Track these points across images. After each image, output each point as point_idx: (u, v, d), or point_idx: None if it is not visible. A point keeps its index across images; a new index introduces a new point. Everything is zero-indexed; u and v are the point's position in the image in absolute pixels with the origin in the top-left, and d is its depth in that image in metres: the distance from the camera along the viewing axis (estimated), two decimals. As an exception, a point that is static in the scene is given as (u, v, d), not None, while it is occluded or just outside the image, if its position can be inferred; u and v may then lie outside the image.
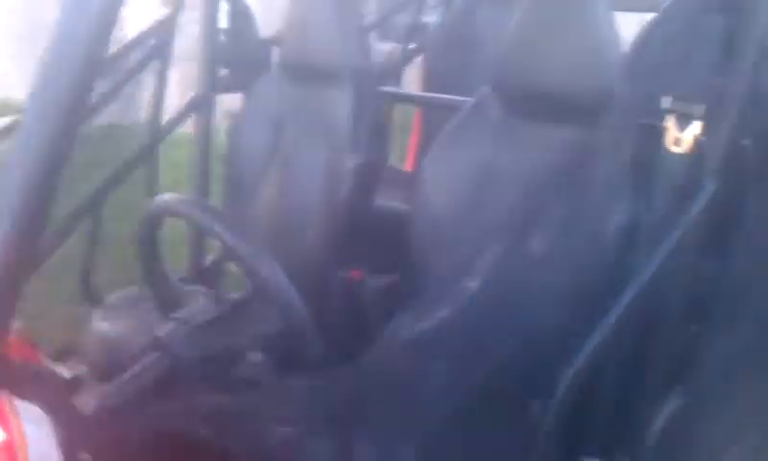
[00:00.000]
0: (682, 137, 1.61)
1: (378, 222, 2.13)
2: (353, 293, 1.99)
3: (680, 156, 1.61)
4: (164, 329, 1.29)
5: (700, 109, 1.56)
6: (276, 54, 2.54)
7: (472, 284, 1.56)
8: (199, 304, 1.33)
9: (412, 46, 3.14)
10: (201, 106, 2.53)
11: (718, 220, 1.69)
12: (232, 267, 2.46)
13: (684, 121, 1.60)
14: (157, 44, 2.37)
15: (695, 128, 1.59)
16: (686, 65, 1.71)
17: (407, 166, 3.05)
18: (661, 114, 1.62)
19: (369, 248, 2.06)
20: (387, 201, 2.31)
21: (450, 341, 1.47)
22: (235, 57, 2.56)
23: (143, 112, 2.79)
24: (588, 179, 1.66)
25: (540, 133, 1.79)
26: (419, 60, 3.16)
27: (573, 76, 1.77)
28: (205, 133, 2.56)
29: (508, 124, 1.85)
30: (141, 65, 2.36)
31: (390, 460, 1.45)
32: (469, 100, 1.99)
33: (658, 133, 1.63)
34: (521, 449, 1.47)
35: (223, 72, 2.56)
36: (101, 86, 2.20)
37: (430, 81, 3.00)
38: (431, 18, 3.36)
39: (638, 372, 1.65)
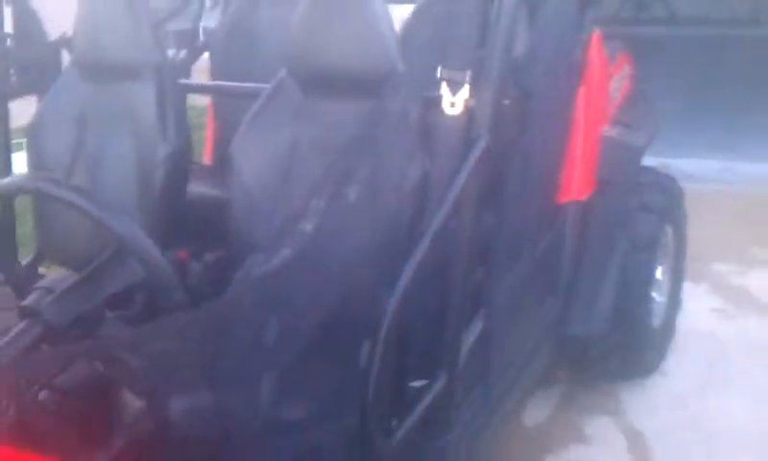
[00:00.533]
0: (455, 102, 1.91)
1: (194, 207, 2.26)
2: (181, 273, 2.11)
3: (455, 117, 1.92)
4: (30, 299, 1.37)
5: (467, 76, 1.86)
6: (66, 55, 2.58)
7: (308, 226, 1.77)
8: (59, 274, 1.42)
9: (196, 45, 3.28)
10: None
11: (492, 173, 2.01)
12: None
13: (455, 88, 1.90)
14: None
15: (465, 93, 1.89)
16: (453, 41, 2.01)
17: (206, 159, 3.17)
18: (437, 84, 1.91)
19: (188, 232, 2.19)
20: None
21: (293, 279, 1.66)
22: (24, 60, 2.57)
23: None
24: (382, 144, 1.92)
25: (336, 108, 2.03)
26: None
27: (358, 57, 2.02)
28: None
29: (307, 104, 2.07)
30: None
31: (243, 393, 1.61)
32: (266, 86, 2.18)
33: (436, 100, 1.92)
34: (357, 382, 1.69)
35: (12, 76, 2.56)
36: None
37: (216, 79, 3.15)
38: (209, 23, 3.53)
39: (445, 305, 1.93)
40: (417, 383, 1.94)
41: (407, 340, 1.87)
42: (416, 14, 2.57)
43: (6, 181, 1.55)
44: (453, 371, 1.98)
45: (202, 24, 3.56)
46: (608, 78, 2.80)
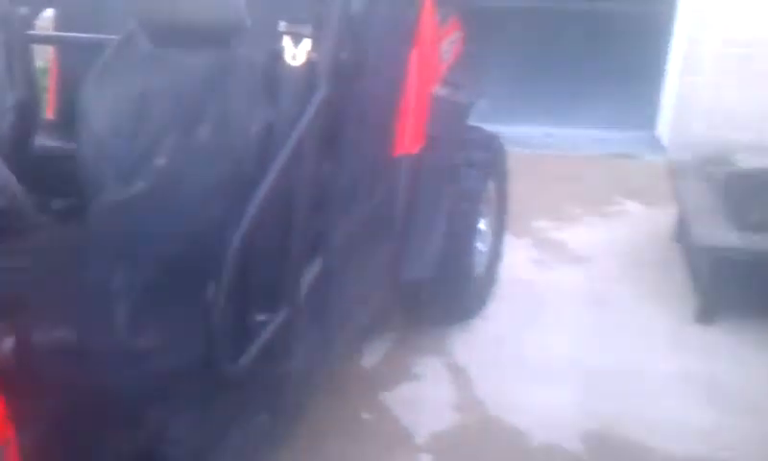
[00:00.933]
0: (297, 54, 2.08)
1: (41, 160, 2.31)
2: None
3: (297, 68, 2.09)
4: None
5: (308, 29, 2.04)
6: None
7: (161, 161, 1.87)
8: None
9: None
10: None
11: (331, 123, 2.20)
12: None
13: (297, 41, 2.07)
14: None
15: (306, 45, 2.06)
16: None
17: (48, 113, 3.15)
18: (280, 36, 2.07)
19: (35, 183, 2.23)
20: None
21: (146, 209, 1.77)
22: None
23: None
24: (230, 91, 2.05)
25: (185, 59, 2.13)
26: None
27: (206, 10, 2.14)
28: None
29: (156, 54, 2.16)
30: None
31: (96, 320, 1.71)
32: (114, 37, 2.26)
33: (279, 51, 2.08)
34: (204, 317, 1.83)
35: None
36: None
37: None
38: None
39: (287, 244, 2.10)
40: (261, 317, 2.11)
41: (253, 276, 2.03)
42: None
43: None
44: (294, 306, 2.16)
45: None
46: (439, 40, 3.04)
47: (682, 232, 3.92)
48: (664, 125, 5.41)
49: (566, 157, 5.24)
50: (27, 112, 2.28)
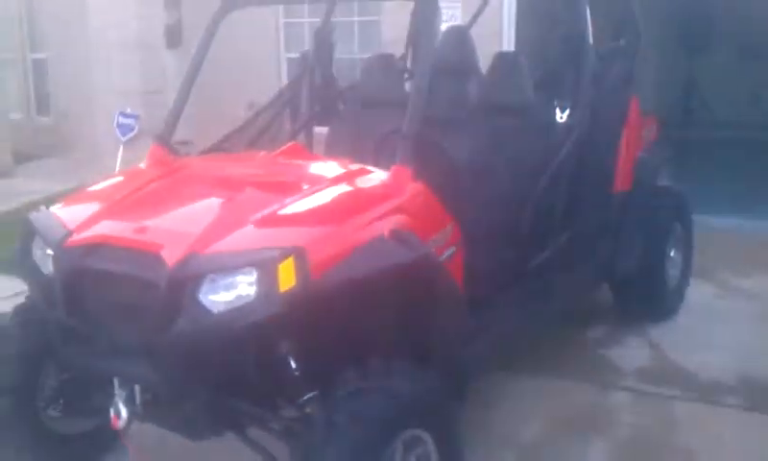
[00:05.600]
0: (562, 115, 4.02)
1: None
2: None
3: (562, 123, 4.02)
4: None
5: (568, 103, 3.97)
6: None
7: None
8: None
9: None
10: None
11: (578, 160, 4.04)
12: None
13: (562, 109, 4.01)
14: None
15: (566, 113, 3.99)
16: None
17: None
18: (553, 106, 4.02)
19: None
20: None
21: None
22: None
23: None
24: (526, 138, 3.99)
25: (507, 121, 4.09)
26: None
27: (515, 94, 4.11)
28: None
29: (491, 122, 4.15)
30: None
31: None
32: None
33: (552, 114, 4.03)
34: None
35: None
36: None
37: None
38: None
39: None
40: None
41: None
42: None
43: None
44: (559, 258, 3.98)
45: None
46: (641, 124, 4.82)
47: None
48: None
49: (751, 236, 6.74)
50: None
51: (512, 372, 4.26)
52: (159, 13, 9.20)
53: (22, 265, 3.22)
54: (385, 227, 2.85)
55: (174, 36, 9.52)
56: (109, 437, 3.64)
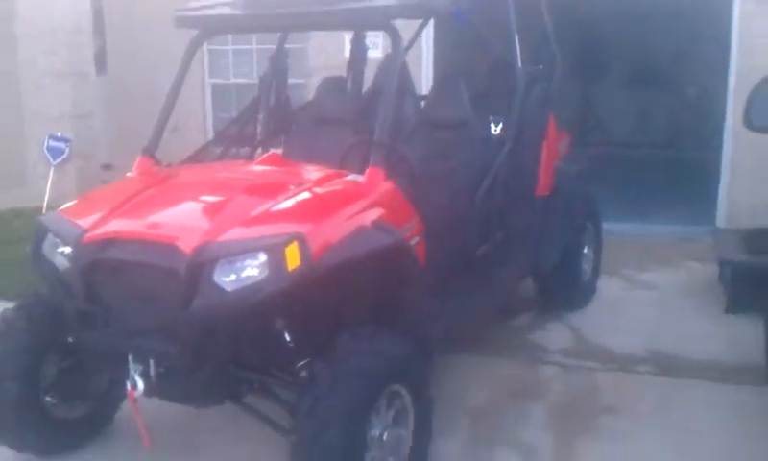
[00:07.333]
0: (496, 128, 4.67)
1: None
2: None
3: (497, 135, 4.67)
4: None
5: (500, 119, 4.64)
6: None
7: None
8: None
9: None
10: None
11: (507, 168, 4.70)
12: None
13: (496, 123, 4.67)
14: None
15: (500, 126, 4.65)
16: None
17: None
18: (489, 121, 4.67)
19: None
20: None
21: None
22: None
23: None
24: (469, 149, 4.61)
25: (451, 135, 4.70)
26: None
27: (454, 115, 4.73)
28: None
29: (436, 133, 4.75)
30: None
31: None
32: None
33: (488, 128, 4.68)
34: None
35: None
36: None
37: None
38: None
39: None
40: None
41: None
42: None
43: None
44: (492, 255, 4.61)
45: None
46: (557, 138, 5.53)
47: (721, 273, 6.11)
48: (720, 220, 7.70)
49: (646, 239, 7.59)
50: None
51: (458, 353, 4.85)
52: (88, 42, 9.48)
53: (35, 262, 3.61)
54: (366, 218, 3.41)
55: (98, 63, 9.81)
56: (101, 422, 4.06)
